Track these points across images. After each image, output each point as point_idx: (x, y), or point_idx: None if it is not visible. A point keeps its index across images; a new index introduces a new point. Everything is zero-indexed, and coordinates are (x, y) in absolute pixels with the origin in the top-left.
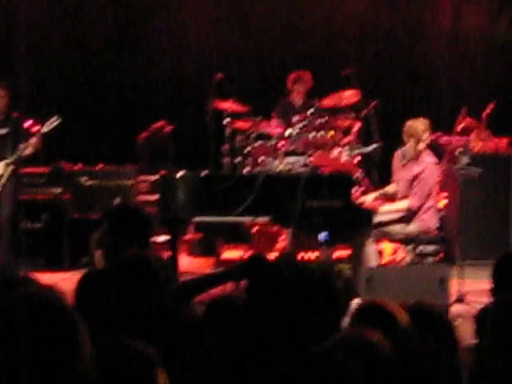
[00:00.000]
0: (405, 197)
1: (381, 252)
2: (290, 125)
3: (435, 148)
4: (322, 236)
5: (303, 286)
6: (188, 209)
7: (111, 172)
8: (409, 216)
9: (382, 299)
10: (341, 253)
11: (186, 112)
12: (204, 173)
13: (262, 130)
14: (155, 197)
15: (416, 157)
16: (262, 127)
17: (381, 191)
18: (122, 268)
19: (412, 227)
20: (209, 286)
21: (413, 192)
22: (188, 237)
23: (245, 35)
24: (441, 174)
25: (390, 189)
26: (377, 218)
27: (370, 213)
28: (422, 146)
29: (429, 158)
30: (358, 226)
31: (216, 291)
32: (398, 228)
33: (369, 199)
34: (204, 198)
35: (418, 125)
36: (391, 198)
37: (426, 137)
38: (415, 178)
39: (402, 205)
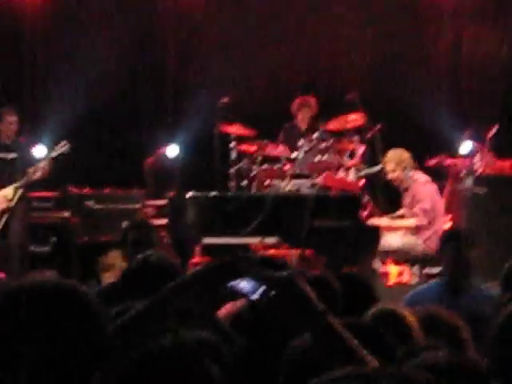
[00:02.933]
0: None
1: (387, 274)
2: (295, 148)
3: (440, 170)
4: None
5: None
6: (197, 230)
7: (119, 196)
8: (415, 240)
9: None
10: None
11: (192, 136)
12: (213, 193)
13: (267, 153)
14: (162, 221)
15: (409, 183)
16: (268, 150)
17: (393, 215)
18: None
19: (418, 248)
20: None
21: (414, 212)
22: (195, 260)
23: (251, 61)
24: (446, 195)
25: (401, 212)
26: (384, 241)
27: (377, 233)
28: (411, 172)
29: (420, 179)
30: (365, 245)
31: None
32: (404, 249)
33: (382, 223)
34: (213, 218)
35: (403, 153)
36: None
37: (412, 163)
38: (412, 201)
39: (410, 223)
